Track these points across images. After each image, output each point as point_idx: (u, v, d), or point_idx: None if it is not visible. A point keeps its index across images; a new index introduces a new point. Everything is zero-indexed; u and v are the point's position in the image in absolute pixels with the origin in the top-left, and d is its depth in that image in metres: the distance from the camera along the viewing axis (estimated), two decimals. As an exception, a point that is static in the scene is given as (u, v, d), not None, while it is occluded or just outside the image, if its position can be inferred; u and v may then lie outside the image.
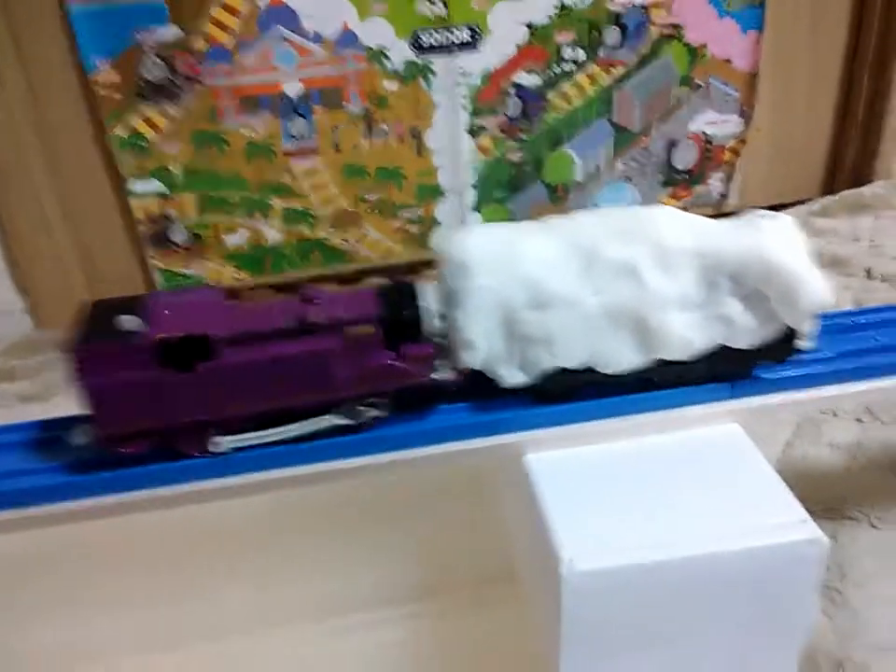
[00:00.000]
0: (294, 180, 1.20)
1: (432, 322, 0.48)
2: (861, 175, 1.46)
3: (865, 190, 1.41)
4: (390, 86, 1.17)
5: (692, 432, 0.48)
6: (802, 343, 0.52)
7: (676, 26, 1.25)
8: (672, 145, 1.35)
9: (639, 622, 0.41)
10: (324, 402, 0.48)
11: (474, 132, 1.24)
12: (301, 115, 1.16)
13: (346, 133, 1.19)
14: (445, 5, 1.14)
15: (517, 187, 1.31)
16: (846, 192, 1.42)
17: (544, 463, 0.48)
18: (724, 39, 1.28)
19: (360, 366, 0.47)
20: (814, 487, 0.75)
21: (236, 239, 1.24)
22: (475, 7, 1.15)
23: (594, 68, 1.25)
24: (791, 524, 0.41)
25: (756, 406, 0.50)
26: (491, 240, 0.49)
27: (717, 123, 1.35)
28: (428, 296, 0.49)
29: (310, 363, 0.46)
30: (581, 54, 1.23)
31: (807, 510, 0.73)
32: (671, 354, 0.49)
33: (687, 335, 0.49)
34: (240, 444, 0.48)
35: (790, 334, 0.51)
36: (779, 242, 0.49)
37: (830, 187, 1.48)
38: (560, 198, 1.33)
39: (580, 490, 0.45)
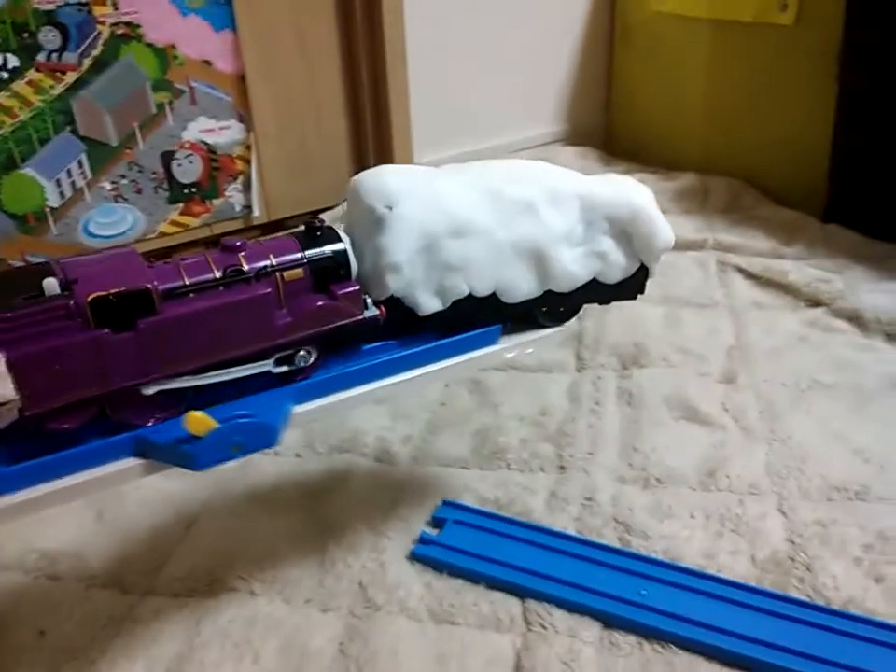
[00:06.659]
0: None
1: (353, 262, 0.50)
2: (385, 174, 1.46)
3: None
4: None
5: None
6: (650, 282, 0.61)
7: (131, 25, 1.11)
8: (168, 157, 1.21)
9: None
10: (265, 350, 0.47)
11: None
12: None
13: None
14: None
15: (-28, 220, 1.08)
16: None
17: None
18: (196, 39, 1.17)
19: (296, 309, 0.47)
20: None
21: None
22: None
23: (35, 75, 1.06)
24: None
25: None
26: (407, 175, 0.53)
27: (215, 131, 1.24)
28: (345, 237, 0.50)
29: (250, 311, 0.45)
30: (13, 60, 1.04)
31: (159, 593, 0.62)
32: (559, 285, 0.56)
33: (572, 268, 0.56)
34: (171, 386, 0.44)
35: (642, 274, 0.60)
36: (639, 191, 0.58)
37: (362, 187, 1.46)
38: (34, 228, 1.13)
39: None
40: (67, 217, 1.15)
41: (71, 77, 1.09)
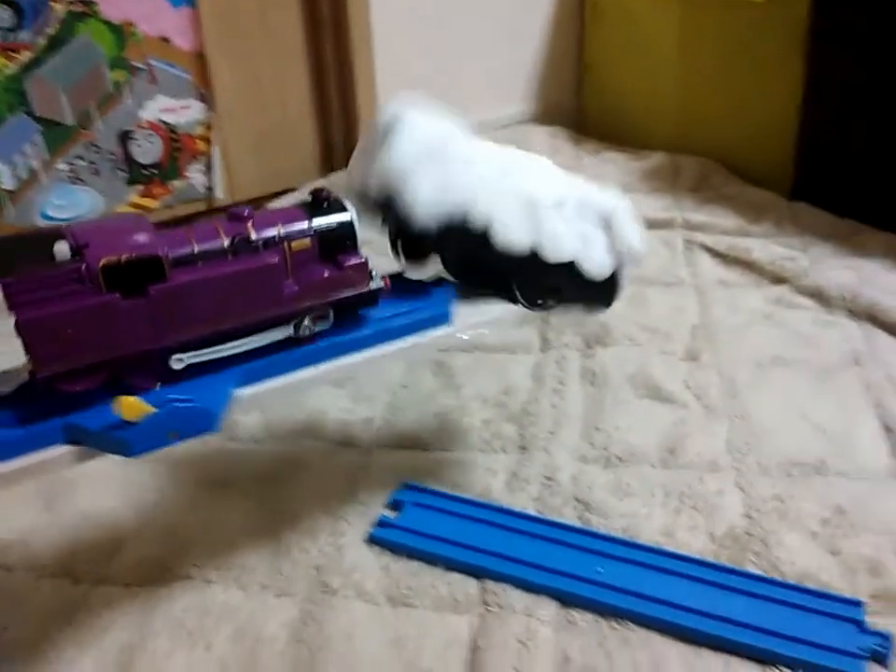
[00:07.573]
0: None
1: (359, 232, 0.51)
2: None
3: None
4: None
5: None
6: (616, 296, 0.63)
7: (87, 3, 1.08)
8: (126, 137, 1.19)
9: None
10: (271, 318, 0.48)
11: None
12: None
13: None
14: None
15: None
16: (340, 175, 1.38)
17: None
18: (154, 16, 1.14)
19: (303, 279, 0.48)
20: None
21: None
22: None
23: (-12, 54, 1.04)
24: None
25: None
26: (421, 108, 0.57)
27: (175, 110, 1.22)
28: (353, 208, 0.51)
29: (258, 280, 0.46)
30: (-38, 38, 1.01)
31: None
32: (546, 248, 0.57)
33: (561, 237, 0.57)
34: (200, 359, 0.46)
35: (615, 284, 0.61)
36: (619, 194, 0.61)
37: (329, 169, 1.44)
38: (-12, 212, 1.10)
39: None
40: (24, 199, 1.12)
41: (25, 57, 1.06)
